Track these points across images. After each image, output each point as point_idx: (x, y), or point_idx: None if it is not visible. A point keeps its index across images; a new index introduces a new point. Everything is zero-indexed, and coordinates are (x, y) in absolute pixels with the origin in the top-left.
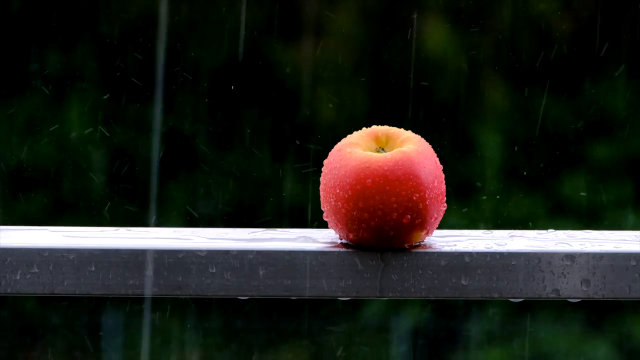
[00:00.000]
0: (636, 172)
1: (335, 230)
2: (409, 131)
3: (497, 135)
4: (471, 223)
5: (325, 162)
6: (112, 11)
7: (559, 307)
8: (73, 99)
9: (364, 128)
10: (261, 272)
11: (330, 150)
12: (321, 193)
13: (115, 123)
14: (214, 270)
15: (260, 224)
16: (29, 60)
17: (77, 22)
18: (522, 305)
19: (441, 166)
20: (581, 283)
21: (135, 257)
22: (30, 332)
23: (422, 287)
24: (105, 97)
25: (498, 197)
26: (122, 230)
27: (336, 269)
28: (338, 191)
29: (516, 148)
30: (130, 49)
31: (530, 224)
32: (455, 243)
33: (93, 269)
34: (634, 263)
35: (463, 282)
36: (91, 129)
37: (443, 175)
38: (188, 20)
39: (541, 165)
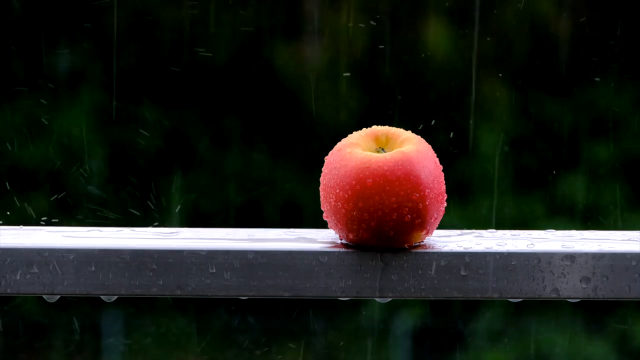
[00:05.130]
0: (635, 172)
1: (335, 230)
2: (409, 131)
3: (496, 135)
4: (471, 223)
5: (325, 162)
6: (113, 10)
7: (559, 307)
8: (74, 99)
9: (364, 128)
10: (261, 272)
11: (330, 150)
12: (321, 193)
13: (115, 122)
14: (214, 270)
15: (260, 224)
16: (29, 60)
17: (78, 22)
18: (522, 305)
19: (441, 166)
20: (581, 283)
21: (135, 257)
22: (30, 332)
23: (422, 287)
24: (105, 96)
25: (498, 197)
26: (122, 230)
27: (336, 269)
28: (338, 191)
29: (516, 148)
30: (131, 48)
31: (529, 224)
32: (455, 243)
33: (93, 269)
34: (634, 263)
35: (463, 282)
36: (91, 128)
37: (443, 176)
38: (188, 20)
39: (541, 165)
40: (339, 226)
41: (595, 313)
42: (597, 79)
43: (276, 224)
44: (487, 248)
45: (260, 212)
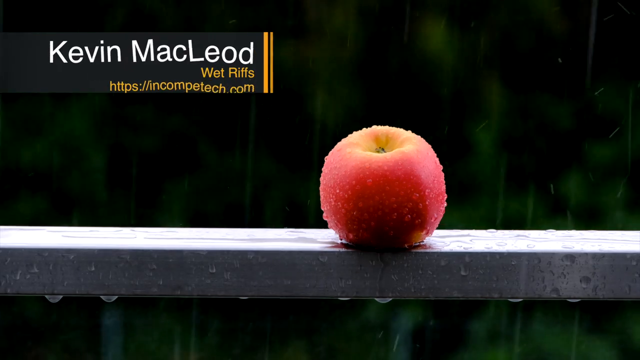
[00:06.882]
0: (635, 172)
1: (335, 230)
2: (409, 131)
3: (496, 135)
4: (471, 223)
5: (325, 162)
6: (110, 8)
7: (559, 307)
8: (73, 99)
9: (364, 128)
10: (261, 272)
11: (330, 150)
12: (321, 193)
13: (115, 123)
14: (214, 270)
15: (260, 224)
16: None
17: (78, 20)
18: (522, 305)
19: (441, 166)
20: (581, 283)
21: (135, 257)
22: (30, 332)
23: (422, 287)
24: (105, 96)
25: (497, 197)
26: (122, 230)
27: (336, 269)
28: (338, 191)
29: (516, 147)
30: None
31: (529, 224)
32: (455, 243)
33: (93, 269)
34: (634, 263)
35: (463, 282)
36: (92, 128)
37: (443, 175)
38: (188, 19)
39: (540, 165)
40: (339, 226)
41: (595, 313)
42: (597, 78)
43: (276, 224)
44: (487, 248)
45: (260, 213)
